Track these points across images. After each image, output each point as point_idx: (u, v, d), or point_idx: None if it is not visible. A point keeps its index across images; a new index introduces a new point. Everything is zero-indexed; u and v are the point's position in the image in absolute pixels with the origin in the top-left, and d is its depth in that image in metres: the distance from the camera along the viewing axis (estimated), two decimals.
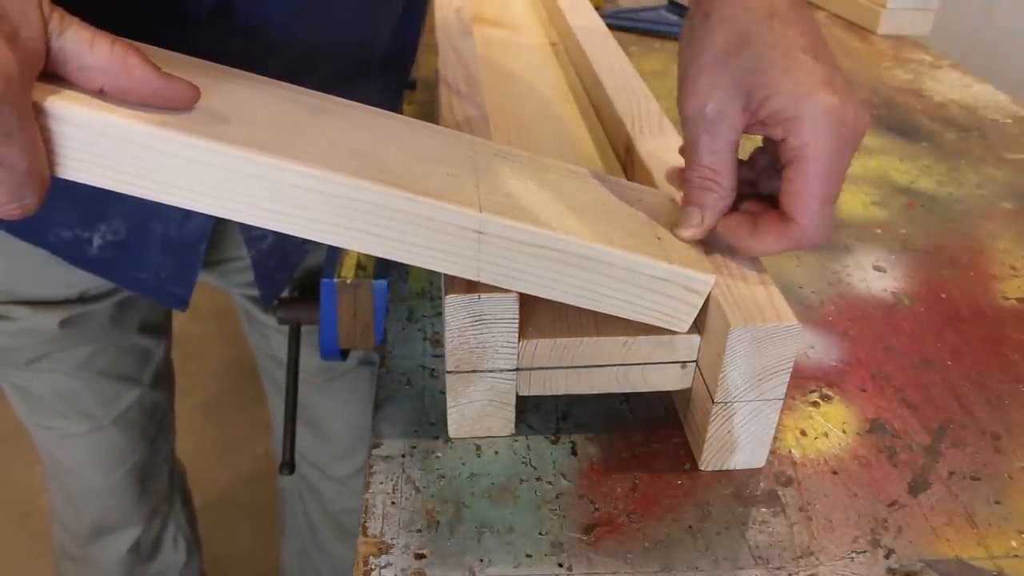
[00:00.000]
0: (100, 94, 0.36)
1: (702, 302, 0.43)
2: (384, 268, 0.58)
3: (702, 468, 0.46)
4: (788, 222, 0.42)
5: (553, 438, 0.48)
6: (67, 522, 0.88)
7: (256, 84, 0.44)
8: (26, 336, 0.70)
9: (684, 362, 0.45)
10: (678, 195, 0.50)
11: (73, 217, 0.58)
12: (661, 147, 0.57)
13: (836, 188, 0.41)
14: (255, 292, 0.75)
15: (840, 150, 0.40)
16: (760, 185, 0.46)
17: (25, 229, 0.59)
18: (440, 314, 0.57)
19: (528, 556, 0.41)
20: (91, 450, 0.80)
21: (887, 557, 0.42)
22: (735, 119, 0.42)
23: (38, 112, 0.35)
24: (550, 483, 0.45)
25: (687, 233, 0.45)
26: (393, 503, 0.44)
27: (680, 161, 0.48)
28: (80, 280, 0.67)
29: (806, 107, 0.39)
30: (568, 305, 0.43)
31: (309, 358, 0.76)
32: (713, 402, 0.43)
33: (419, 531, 0.42)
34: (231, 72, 0.44)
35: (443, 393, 0.47)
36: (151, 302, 0.77)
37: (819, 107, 0.39)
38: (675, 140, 0.58)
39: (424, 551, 0.41)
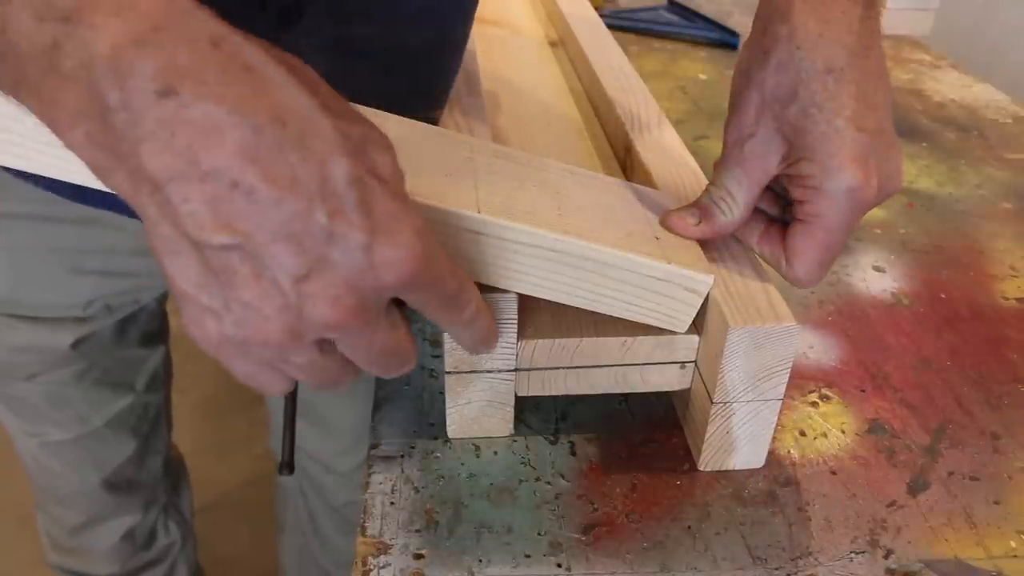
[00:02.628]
0: None
1: (701, 302, 0.43)
2: None
3: (701, 468, 0.46)
4: (785, 260, 0.44)
5: (552, 438, 0.48)
6: (56, 516, 0.87)
7: None
8: (35, 353, 0.70)
9: (683, 362, 0.45)
10: (678, 196, 0.50)
11: None
12: (660, 147, 0.57)
13: (838, 252, 0.43)
14: None
15: (851, 223, 0.42)
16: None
17: None
18: None
19: (527, 556, 0.41)
20: (80, 453, 0.79)
21: (886, 557, 0.42)
22: (770, 164, 0.42)
23: None
24: (549, 483, 0.45)
25: (672, 220, 0.45)
26: (392, 503, 0.44)
27: (677, 159, 0.47)
28: (86, 289, 0.67)
29: (832, 183, 0.40)
30: (567, 305, 0.43)
31: None
32: (712, 402, 0.43)
33: (418, 531, 0.42)
34: None
35: (442, 393, 0.47)
36: (151, 314, 0.77)
37: (843, 185, 0.40)
38: (674, 140, 0.58)
39: (423, 551, 0.41)
